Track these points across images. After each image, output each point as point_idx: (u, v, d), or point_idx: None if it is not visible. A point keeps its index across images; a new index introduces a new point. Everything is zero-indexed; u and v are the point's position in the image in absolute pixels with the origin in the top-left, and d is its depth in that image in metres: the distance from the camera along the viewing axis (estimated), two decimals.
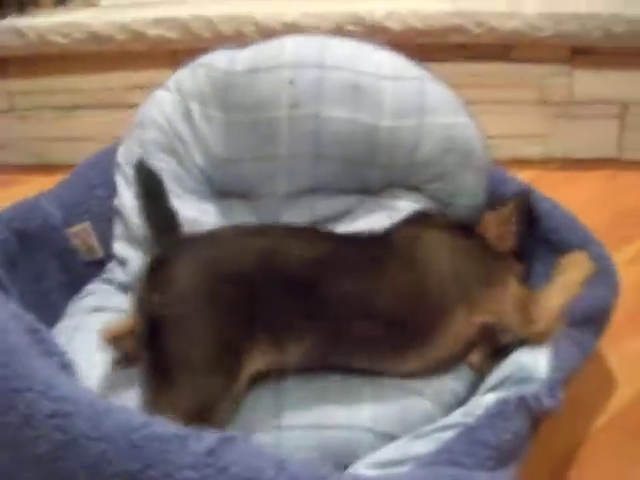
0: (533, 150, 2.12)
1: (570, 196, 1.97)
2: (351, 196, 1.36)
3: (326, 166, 1.33)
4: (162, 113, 1.38)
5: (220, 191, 1.39)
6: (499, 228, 1.24)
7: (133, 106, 1.49)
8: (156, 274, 1.02)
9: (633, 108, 2.06)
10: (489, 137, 2.05)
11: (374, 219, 1.31)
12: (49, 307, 1.26)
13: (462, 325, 1.09)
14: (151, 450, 0.78)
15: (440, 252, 1.13)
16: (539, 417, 0.96)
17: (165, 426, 0.81)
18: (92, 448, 0.79)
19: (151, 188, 1.25)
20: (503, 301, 1.10)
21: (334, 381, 1.06)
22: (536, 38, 1.97)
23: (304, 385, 1.05)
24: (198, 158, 1.37)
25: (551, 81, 2.04)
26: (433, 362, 1.08)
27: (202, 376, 0.95)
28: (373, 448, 0.98)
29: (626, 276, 1.58)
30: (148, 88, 1.46)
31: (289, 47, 1.36)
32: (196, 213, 1.33)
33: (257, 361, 1.00)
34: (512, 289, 1.12)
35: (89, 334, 1.11)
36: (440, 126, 1.31)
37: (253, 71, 1.34)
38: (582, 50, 2.02)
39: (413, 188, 1.35)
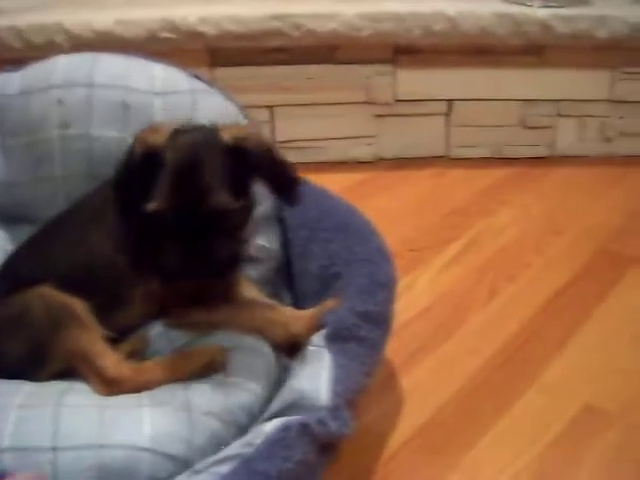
0: (363, 151, 2.12)
1: (401, 196, 1.98)
2: None
3: None
4: None
5: (8, 216, 1.35)
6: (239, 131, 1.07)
7: None
8: None
9: (457, 105, 2.08)
10: (319, 140, 2.09)
11: None
12: None
13: None
14: None
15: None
16: (329, 442, 0.93)
17: None
18: None
19: None
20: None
21: (114, 400, 1.03)
22: (356, 38, 1.96)
23: (82, 403, 1.01)
24: None
25: (376, 81, 2.04)
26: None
27: None
28: (154, 469, 0.94)
29: (441, 280, 1.60)
30: None
31: (60, 66, 1.32)
32: None
33: None
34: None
35: None
36: None
37: (25, 93, 1.31)
38: (404, 49, 2.02)
39: None
